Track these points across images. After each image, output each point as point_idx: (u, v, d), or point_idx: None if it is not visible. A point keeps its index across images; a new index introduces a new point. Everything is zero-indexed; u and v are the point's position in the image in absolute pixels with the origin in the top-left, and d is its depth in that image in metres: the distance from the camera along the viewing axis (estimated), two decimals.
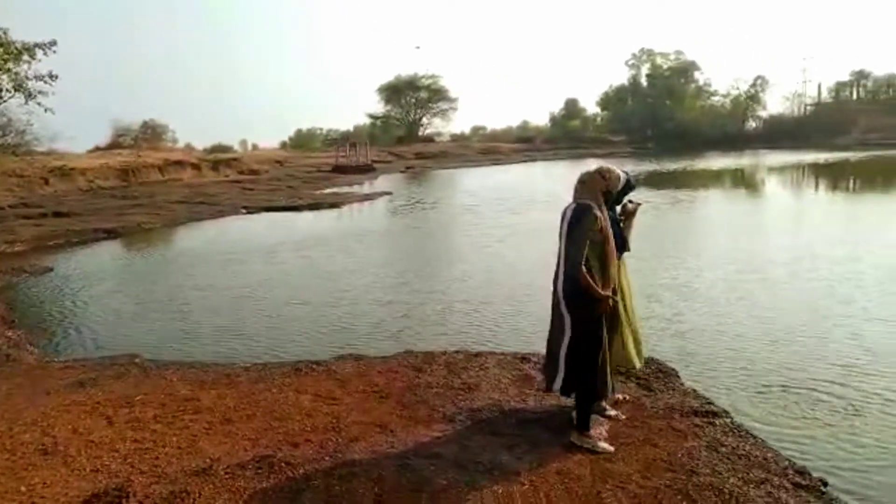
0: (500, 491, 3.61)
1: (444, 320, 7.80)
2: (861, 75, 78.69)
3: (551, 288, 4.17)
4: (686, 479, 3.72)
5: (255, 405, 5.01)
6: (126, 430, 4.64)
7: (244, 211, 22.41)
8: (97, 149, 45.15)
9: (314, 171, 43.28)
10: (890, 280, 8.82)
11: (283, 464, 3.98)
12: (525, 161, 58.49)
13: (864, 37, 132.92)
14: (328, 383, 5.42)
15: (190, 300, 9.42)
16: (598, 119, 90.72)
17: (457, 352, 6.22)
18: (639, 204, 4.50)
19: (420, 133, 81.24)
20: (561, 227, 4.07)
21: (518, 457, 3.99)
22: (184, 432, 4.56)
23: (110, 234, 16.98)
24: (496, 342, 6.82)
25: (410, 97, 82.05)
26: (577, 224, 3.99)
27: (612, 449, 4.06)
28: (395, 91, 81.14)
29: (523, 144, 75.15)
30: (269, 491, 3.70)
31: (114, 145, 46.17)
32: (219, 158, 43.61)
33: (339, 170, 43.56)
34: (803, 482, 3.70)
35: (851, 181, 29.03)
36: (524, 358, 5.92)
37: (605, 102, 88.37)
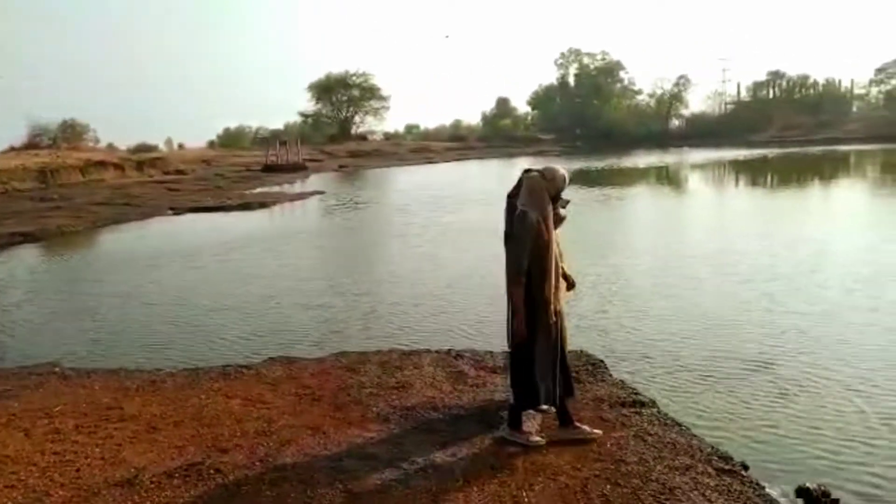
0: (434, 488, 3.61)
1: (377, 320, 7.75)
2: (777, 75, 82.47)
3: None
4: (615, 468, 3.81)
5: (182, 411, 4.86)
6: (45, 442, 4.42)
7: (170, 212, 21.74)
8: (12, 149, 43.00)
9: (244, 171, 42.42)
10: (802, 273, 9.27)
11: (211, 471, 3.87)
12: (458, 160, 58.81)
13: (779, 38, 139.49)
14: (258, 387, 5.31)
15: (112, 306, 9.05)
16: (529, 118, 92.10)
17: (390, 351, 6.20)
18: (567, 200, 4.42)
19: (352, 131, 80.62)
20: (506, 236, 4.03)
21: (452, 453, 4.01)
22: (107, 442, 4.38)
23: (28, 238, 16.17)
24: (430, 341, 6.81)
25: (342, 95, 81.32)
26: (514, 233, 3.90)
27: (543, 442, 4.12)
28: (326, 89, 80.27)
29: (456, 143, 75.61)
30: (197, 499, 3.59)
31: (30, 146, 44.09)
32: (143, 158, 42.21)
33: (270, 169, 42.80)
34: (726, 467, 3.84)
35: (769, 177, 30.41)
36: (458, 355, 5.95)
37: (536, 102, 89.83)
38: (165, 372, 5.88)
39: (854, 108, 78.79)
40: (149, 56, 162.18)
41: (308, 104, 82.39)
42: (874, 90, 78.33)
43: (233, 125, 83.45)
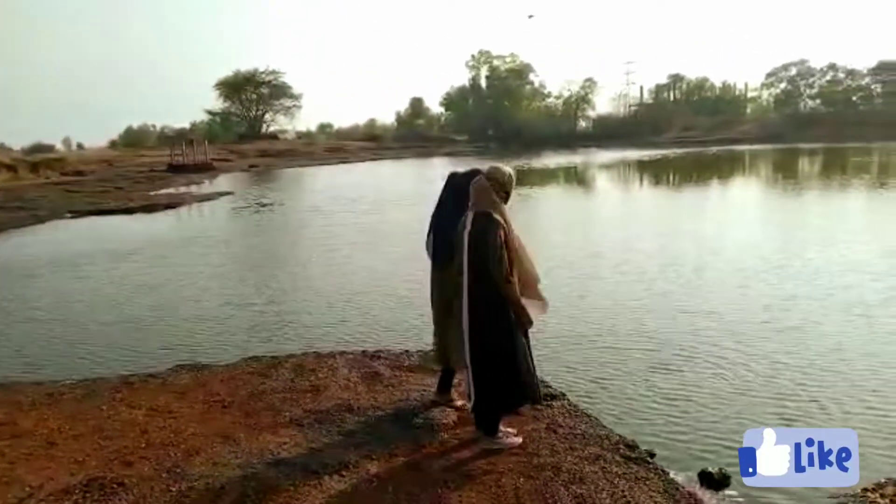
0: (349, 490, 3.59)
1: (290, 324, 7.59)
2: (677, 78, 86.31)
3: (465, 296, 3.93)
4: (527, 460, 3.89)
5: (82, 424, 4.61)
6: None
7: (69, 215, 20.57)
8: None
9: (148, 171, 40.62)
10: (701, 270, 9.74)
11: (114, 485, 3.70)
12: (373, 159, 58.46)
13: (680, 43, 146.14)
14: (164, 396, 5.11)
15: None
16: (443, 118, 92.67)
17: (304, 354, 6.10)
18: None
19: (263, 130, 78.74)
20: (460, 239, 3.91)
21: (367, 454, 3.98)
22: None
23: None
24: (345, 342, 6.74)
25: (251, 93, 79.30)
26: (484, 235, 3.79)
27: (519, 440, 4.12)
28: (235, 87, 78.05)
29: (371, 143, 75.15)
30: None
31: None
32: (38, 159, 39.74)
33: (176, 169, 41.22)
34: (633, 455, 3.99)
35: (671, 176, 31.81)
36: (374, 355, 5.93)
37: (448, 102, 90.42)
38: (63, 384, 5.56)
39: (748, 111, 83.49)
40: (44, 51, 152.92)
41: (216, 102, 79.95)
42: (765, 93, 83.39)
43: (136, 124, 79.86)
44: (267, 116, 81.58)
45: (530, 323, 3.91)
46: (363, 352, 6.07)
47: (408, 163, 52.53)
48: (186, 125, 78.23)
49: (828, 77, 75.74)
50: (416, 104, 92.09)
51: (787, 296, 7.85)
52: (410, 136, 79.94)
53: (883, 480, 3.72)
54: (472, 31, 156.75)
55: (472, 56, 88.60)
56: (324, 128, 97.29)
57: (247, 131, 75.93)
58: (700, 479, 3.82)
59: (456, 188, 4.40)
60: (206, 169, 42.45)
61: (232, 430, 4.40)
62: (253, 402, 4.90)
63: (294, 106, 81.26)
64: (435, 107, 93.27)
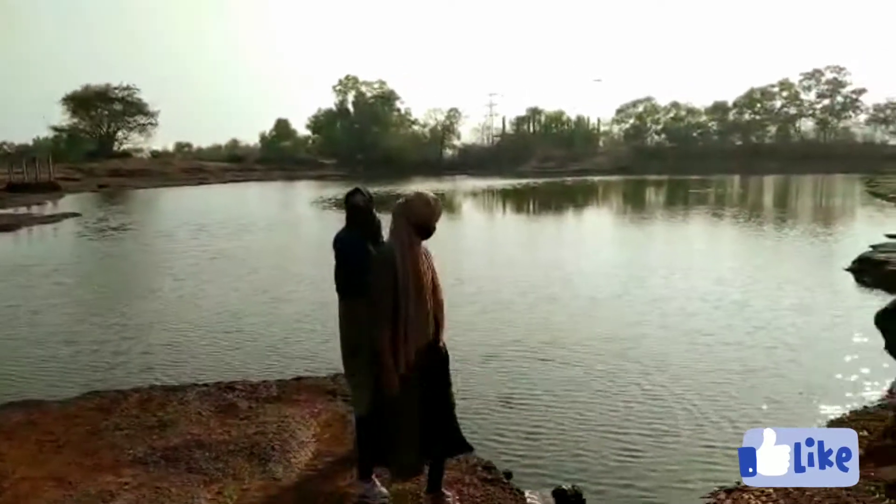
0: None
1: (137, 355, 7.14)
2: (535, 111, 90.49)
3: None
4: (388, 487, 3.89)
5: None
6: None
7: None
8: None
9: None
10: (554, 299, 10.23)
11: None
12: (235, 181, 56.60)
13: (538, 77, 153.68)
14: None
15: None
16: (310, 141, 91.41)
17: (151, 387, 5.77)
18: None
19: (116, 149, 73.98)
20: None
21: (218, 491, 3.83)
22: None
23: None
24: (198, 374, 6.44)
25: (102, 109, 74.42)
26: (372, 272, 3.38)
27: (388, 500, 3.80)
28: (84, 102, 72.94)
29: (233, 164, 72.64)
30: None
31: None
32: None
33: (15, 188, 37.76)
34: (490, 476, 4.10)
35: (532, 204, 33.25)
36: (230, 387, 5.71)
37: (316, 125, 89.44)
38: None
39: (600, 143, 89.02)
40: None
41: (63, 118, 74.25)
42: (616, 128, 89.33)
43: None
44: (120, 134, 76.78)
45: (391, 389, 3.31)
46: (218, 383, 5.83)
47: (273, 186, 51.34)
48: (29, 142, 72.09)
49: (671, 114, 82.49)
50: (282, 125, 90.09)
51: (631, 322, 8.40)
52: (276, 158, 78.11)
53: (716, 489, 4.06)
54: (339, 53, 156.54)
55: (340, 80, 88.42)
56: (182, 147, 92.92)
57: (97, 149, 70.99)
58: (554, 496, 3.96)
59: (351, 209, 4.12)
60: (49, 189, 39.23)
61: (66, 472, 4.08)
62: (92, 441, 4.57)
63: (149, 123, 77.13)
64: (301, 129, 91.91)
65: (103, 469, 4.12)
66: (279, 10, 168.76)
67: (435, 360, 3.47)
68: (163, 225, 22.26)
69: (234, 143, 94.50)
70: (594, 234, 20.12)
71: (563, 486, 4.02)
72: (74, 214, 25.22)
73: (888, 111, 72.07)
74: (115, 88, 74.08)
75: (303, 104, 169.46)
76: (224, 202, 33.68)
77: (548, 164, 71.35)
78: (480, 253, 15.61)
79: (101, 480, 3.96)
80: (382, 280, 3.30)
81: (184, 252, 15.21)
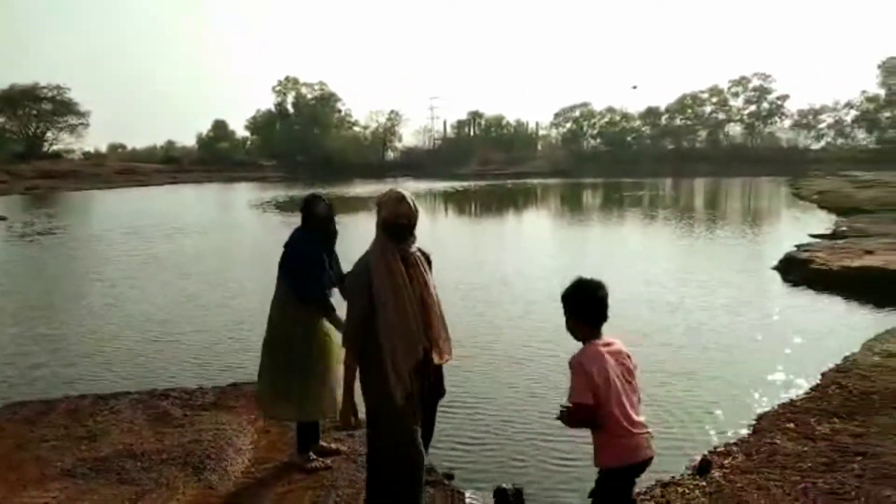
0: None
1: (65, 364, 6.89)
2: (476, 115, 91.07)
3: None
4: (326, 494, 3.87)
5: None
6: None
7: None
8: None
9: None
10: (493, 304, 10.33)
11: None
12: (171, 183, 55.11)
13: (479, 81, 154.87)
14: None
15: None
16: (249, 143, 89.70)
17: (81, 397, 5.57)
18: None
19: (45, 150, 70.97)
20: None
21: (150, 502, 3.73)
22: None
23: None
24: (131, 382, 6.25)
25: (30, 109, 71.28)
26: (347, 290, 3.14)
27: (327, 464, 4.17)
28: (10, 101, 69.70)
29: (169, 166, 70.65)
30: None
31: None
32: None
33: None
34: (430, 478, 4.11)
35: (474, 207, 33.49)
36: (163, 395, 5.57)
37: (255, 127, 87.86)
38: None
39: (539, 147, 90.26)
40: None
41: None
42: (554, 132, 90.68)
43: None
44: (49, 135, 73.67)
45: (345, 420, 3.20)
46: (151, 391, 5.68)
47: (211, 188, 50.20)
48: None
49: (606, 119, 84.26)
50: (220, 126, 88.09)
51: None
52: (214, 159, 76.33)
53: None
54: (279, 54, 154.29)
55: (279, 81, 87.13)
56: (115, 148, 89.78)
57: (25, 150, 67.90)
58: (495, 496, 4.00)
59: (311, 216, 4.08)
60: None
61: None
62: (17, 455, 4.39)
63: (80, 124, 74.30)
64: (240, 130, 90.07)
65: (29, 483, 3.96)
66: (217, 8, 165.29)
67: (423, 386, 3.14)
68: (93, 228, 21.50)
69: (170, 144, 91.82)
70: (532, 236, 20.41)
71: (504, 486, 4.06)
72: (1, 218, 24.08)
73: (810, 117, 75.40)
74: (44, 88, 71.06)
75: (241, 105, 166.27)
76: (159, 205, 32.72)
77: (488, 167, 71.88)
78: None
79: (25, 495, 3.82)
80: (357, 298, 3.00)
81: (114, 257, 14.71)
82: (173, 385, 5.97)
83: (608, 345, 2.89)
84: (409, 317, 2.99)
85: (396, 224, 3.05)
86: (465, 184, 51.89)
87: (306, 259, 3.97)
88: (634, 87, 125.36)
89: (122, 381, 6.30)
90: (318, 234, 4.07)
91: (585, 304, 2.98)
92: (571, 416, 2.77)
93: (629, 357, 2.96)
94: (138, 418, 5.02)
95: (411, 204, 3.11)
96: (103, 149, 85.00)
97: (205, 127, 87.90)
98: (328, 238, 4.12)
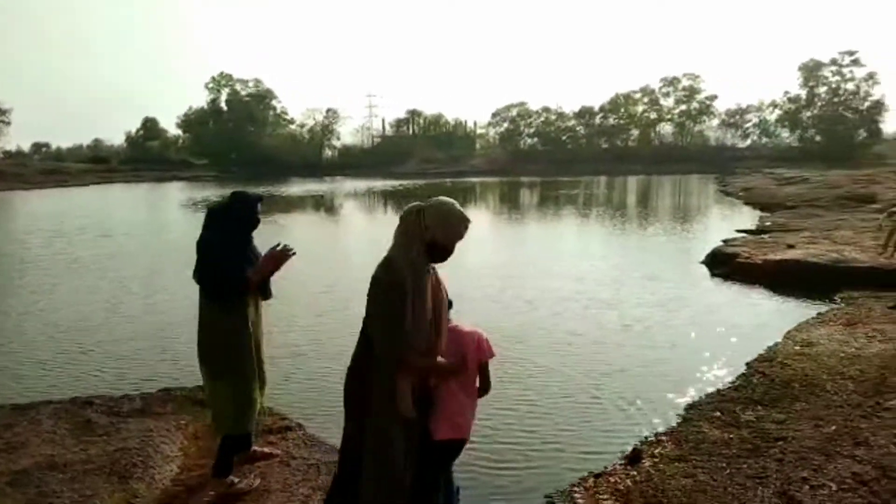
0: None
1: None
2: (415, 113, 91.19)
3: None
4: (253, 501, 3.79)
5: None
6: None
7: None
8: None
9: None
10: None
11: None
12: (100, 183, 53.06)
13: (416, 80, 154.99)
14: None
15: None
16: (181, 141, 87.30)
17: None
18: (290, 251, 3.78)
19: None
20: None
21: None
22: None
23: None
24: (52, 390, 5.98)
25: None
26: (372, 300, 2.79)
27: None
28: None
29: (98, 165, 68.08)
30: None
31: None
32: None
33: None
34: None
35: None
36: (87, 402, 5.34)
37: (187, 125, 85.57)
38: None
39: (477, 146, 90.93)
40: None
41: None
42: (492, 131, 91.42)
43: None
44: None
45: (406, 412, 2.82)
46: (73, 399, 5.43)
47: (141, 188, 48.63)
48: None
49: (542, 118, 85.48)
50: (150, 124, 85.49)
51: (505, 325, 8.64)
52: (144, 158, 73.98)
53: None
54: (212, 51, 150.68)
55: (213, 78, 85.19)
56: (39, 147, 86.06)
57: None
58: None
59: (248, 217, 3.83)
60: None
61: None
62: None
63: (1, 122, 70.98)
64: (172, 128, 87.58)
65: None
66: (147, 3, 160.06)
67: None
68: (13, 231, 20.50)
69: (98, 143, 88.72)
70: (470, 235, 20.47)
71: None
72: None
73: (737, 116, 78.35)
74: None
75: (173, 103, 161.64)
76: (85, 206, 31.46)
77: (428, 165, 71.98)
78: (360, 256, 15.50)
79: None
80: (395, 307, 2.69)
81: (35, 261, 14.04)
82: (98, 392, 5.75)
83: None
84: (423, 337, 2.80)
85: (447, 249, 2.84)
86: (405, 182, 51.80)
87: (216, 255, 3.68)
88: None
89: (42, 391, 6.00)
90: (239, 235, 3.81)
91: None
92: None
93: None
94: (60, 428, 4.80)
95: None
96: (26, 148, 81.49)
97: (135, 125, 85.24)
98: (246, 239, 3.88)
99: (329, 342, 7.45)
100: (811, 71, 71.99)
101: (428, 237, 2.76)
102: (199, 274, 3.70)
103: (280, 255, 3.75)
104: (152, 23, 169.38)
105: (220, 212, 3.80)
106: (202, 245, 3.71)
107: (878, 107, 69.15)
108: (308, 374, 6.44)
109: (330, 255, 15.10)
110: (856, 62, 69.60)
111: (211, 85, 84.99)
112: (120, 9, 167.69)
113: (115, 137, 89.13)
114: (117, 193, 42.14)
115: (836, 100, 70.62)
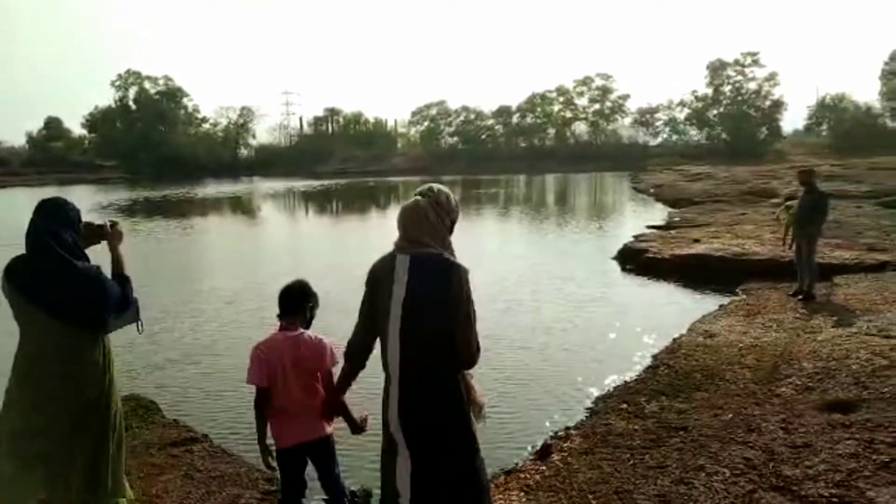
0: None
1: None
2: (333, 111, 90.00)
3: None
4: None
5: None
6: None
7: None
8: None
9: None
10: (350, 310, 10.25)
11: None
12: None
13: (334, 77, 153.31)
14: None
15: None
16: (87, 142, 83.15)
17: None
18: (115, 223, 3.39)
19: None
20: (386, 294, 2.71)
21: None
22: None
23: None
24: None
25: None
26: (462, 293, 2.68)
27: None
28: None
29: None
30: None
31: None
32: None
33: None
34: (272, 488, 4.03)
35: (335, 206, 33.08)
36: None
37: (93, 124, 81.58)
38: None
39: (398, 145, 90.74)
40: None
41: None
42: (413, 130, 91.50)
43: None
44: None
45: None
46: None
47: (45, 192, 45.73)
48: None
49: (462, 117, 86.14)
50: (54, 124, 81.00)
51: None
52: (47, 160, 70.06)
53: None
54: (120, 47, 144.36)
55: (119, 76, 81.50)
56: None
57: None
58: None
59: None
60: None
61: None
62: None
63: None
64: (77, 128, 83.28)
65: None
66: None
67: None
68: None
69: None
70: (388, 235, 20.42)
71: (353, 488, 4.05)
72: None
73: (648, 115, 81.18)
74: None
75: (78, 101, 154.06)
76: None
77: (348, 165, 71.31)
78: (280, 258, 15.21)
79: None
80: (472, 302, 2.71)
81: None
82: None
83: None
84: None
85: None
86: (326, 182, 51.24)
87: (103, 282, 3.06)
88: None
89: None
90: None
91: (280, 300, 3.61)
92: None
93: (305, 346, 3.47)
94: None
95: None
96: None
97: (36, 125, 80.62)
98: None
99: (229, 356, 7.28)
100: (716, 70, 75.18)
101: (450, 222, 2.84)
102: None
103: None
104: (56, 16, 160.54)
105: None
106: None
107: (778, 106, 73.01)
108: (215, 387, 6.27)
109: (256, 265, 14.75)
110: (756, 62, 73.10)
111: (118, 83, 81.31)
112: (19, 1, 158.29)
113: (16, 138, 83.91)
114: (17, 198, 39.73)
115: (739, 98, 74.07)
